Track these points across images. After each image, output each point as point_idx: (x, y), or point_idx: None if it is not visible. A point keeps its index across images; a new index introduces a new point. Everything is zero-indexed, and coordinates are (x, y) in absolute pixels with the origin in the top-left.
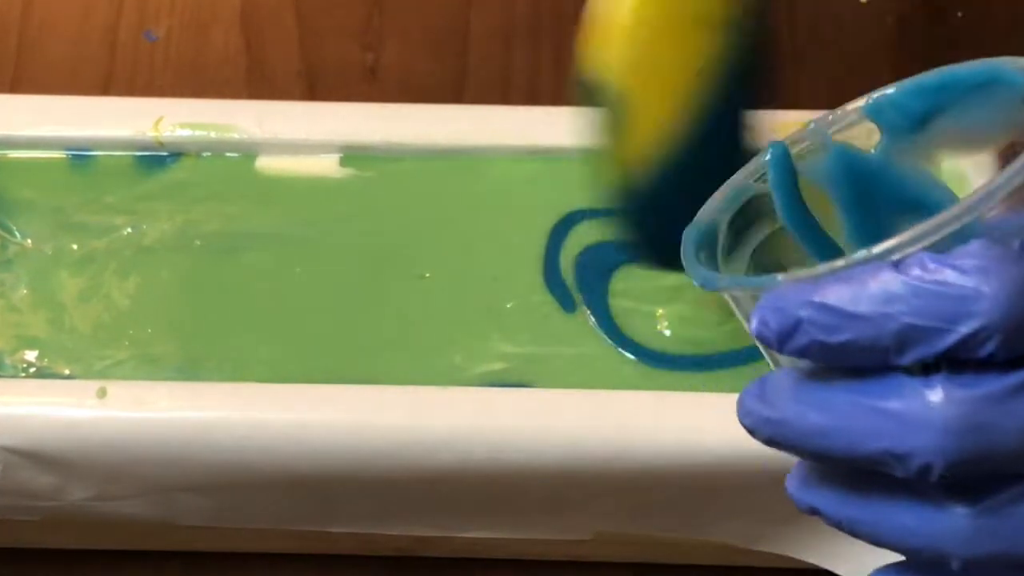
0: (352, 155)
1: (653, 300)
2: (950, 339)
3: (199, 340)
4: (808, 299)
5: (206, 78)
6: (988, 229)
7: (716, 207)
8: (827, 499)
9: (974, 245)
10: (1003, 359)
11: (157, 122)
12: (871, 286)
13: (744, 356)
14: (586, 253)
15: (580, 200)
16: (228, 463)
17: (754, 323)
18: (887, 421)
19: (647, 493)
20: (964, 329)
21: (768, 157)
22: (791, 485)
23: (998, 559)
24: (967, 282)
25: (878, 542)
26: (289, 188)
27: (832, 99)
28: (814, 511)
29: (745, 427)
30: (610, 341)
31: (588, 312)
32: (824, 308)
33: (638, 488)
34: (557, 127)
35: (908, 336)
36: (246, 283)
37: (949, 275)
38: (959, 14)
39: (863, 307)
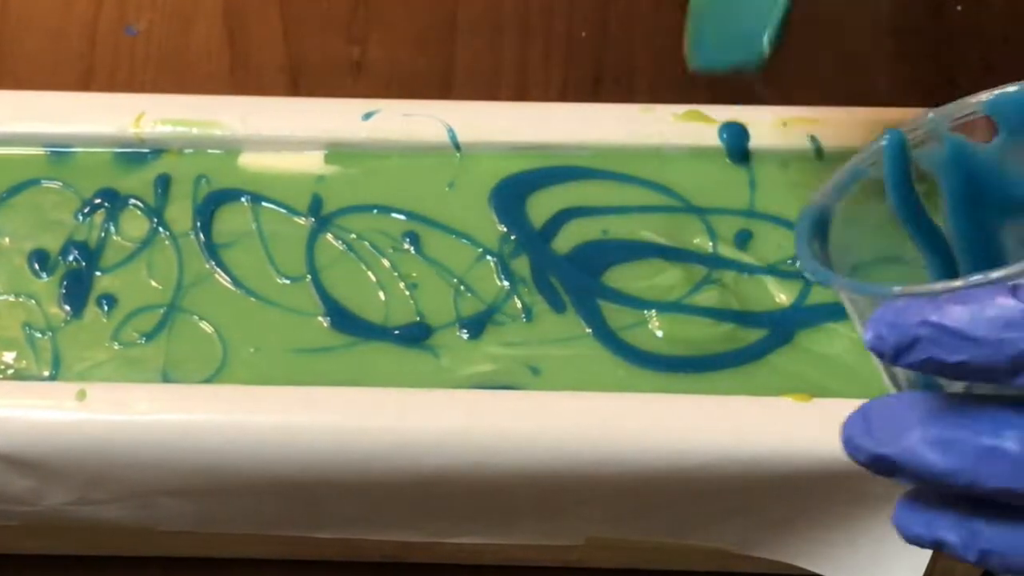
0: (337, 152)
1: (645, 301)
2: None
3: (181, 341)
4: (926, 319)
5: (188, 73)
6: None
7: (828, 193)
8: (950, 527)
9: None
10: None
11: (138, 118)
12: (989, 310)
13: (737, 358)
14: (576, 253)
15: (570, 198)
16: (210, 467)
17: (869, 335)
18: (1005, 463)
19: (639, 497)
20: None
21: (884, 143)
22: (901, 518)
23: None
24: None
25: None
26: (273, 185)
27: (827, 91)
28: (938, 544)
29: (856, 461)
30: (601, 343)
31: (578, 313)
32: (942, 329)
33: (630, 492)
34: (546, 124)
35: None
36: (229, 282)
37: None
38: (958, 7)
39: (981, 331)
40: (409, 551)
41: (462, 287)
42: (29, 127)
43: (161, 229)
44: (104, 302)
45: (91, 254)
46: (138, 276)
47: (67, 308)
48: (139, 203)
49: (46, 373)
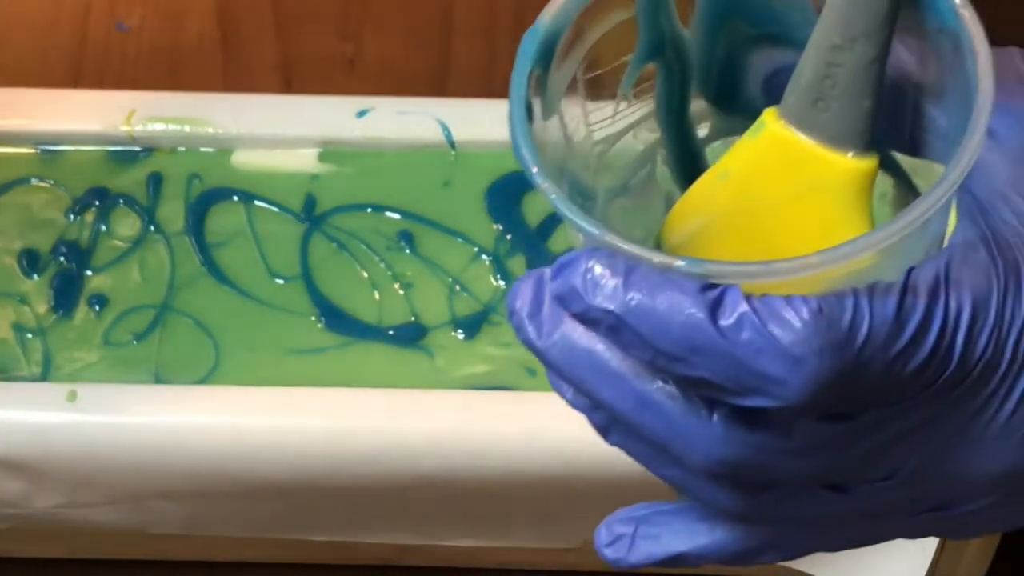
0: (331, 150)
1: None
2: (743, 401)
3: (173, 341)
4: (606, 307)
5: (180, 70)
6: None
7: (561, 7)
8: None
9: (799, 323)
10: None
11: (129, 116)
12: (677, 322)
13: None
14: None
15: None
16: (203, 469)
17: (554, 285)
18: (666, 425)
19: (637, 499)
20: (759, 402)
21: None
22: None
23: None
24: (777, 368)
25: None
26: (266, 184)
27: None
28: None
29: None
30: None
31: None
32: (622, 321)
33: (627, 494)
34: None
35: (701, 382)
36: (221, 282)
37: (762, 350)
38: None
39: (663, 343)
40: (404, 554)
41: (457, 287)
42: (19, 125)
43: (153, 228)
44: (95, 302)
45: (82, 254)
46: (130, 276)
47: (58, 308)
48: (131, 202)
49: (36, 374)
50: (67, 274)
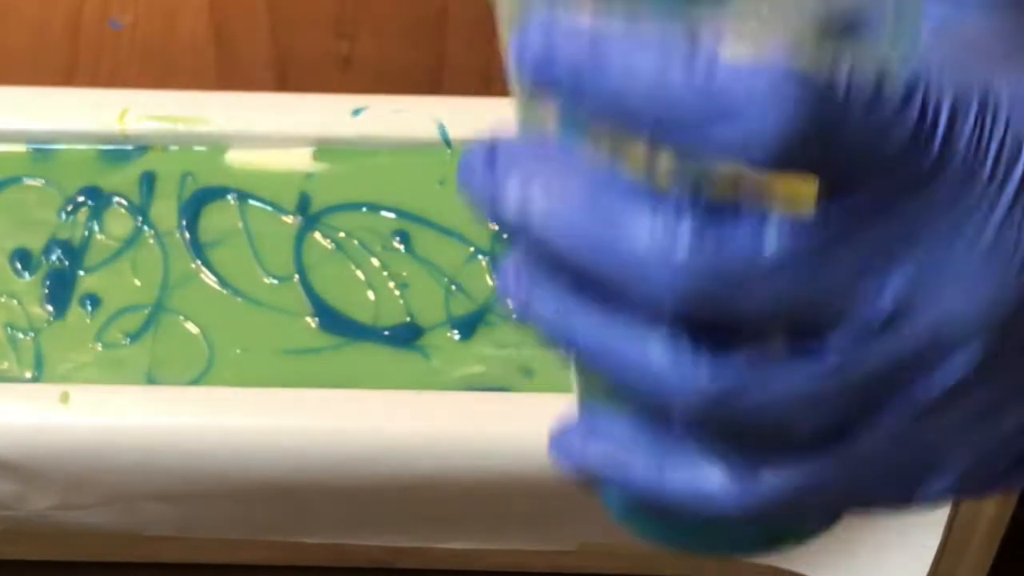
0: (325, 148)
1: None
2: (714, 151)
3: (166, 342)
4: (575, 50)
5: (173, 68)
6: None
7: None
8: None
9: (779, 68)
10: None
11: (122, 114)
12: (645, 68)
13: None
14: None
15: None
16: (197, 470)
17: (514, 45)
18: (629, 253)
19: None
20: (732, 152)
21: None
22: (502, 279)
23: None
24: (752, 113)
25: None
26: (260, 183)
27: None
28: (528, 316)
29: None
30: None
31: None
32: (589, 75)
33: None
34: None
35: (669, 141)
36: (215, 282)
37: (737, 94)
38: None
39: (630, 98)
40: (399, 556)
41: (453, 287)
42: (10, 123)
43: (146, 228)
44: (88, 302)
45: (74, 253)
46: (122, 276)
47: (50, 308)
48: (123, 201)
49: (28, 375)
50: (59, 274)
